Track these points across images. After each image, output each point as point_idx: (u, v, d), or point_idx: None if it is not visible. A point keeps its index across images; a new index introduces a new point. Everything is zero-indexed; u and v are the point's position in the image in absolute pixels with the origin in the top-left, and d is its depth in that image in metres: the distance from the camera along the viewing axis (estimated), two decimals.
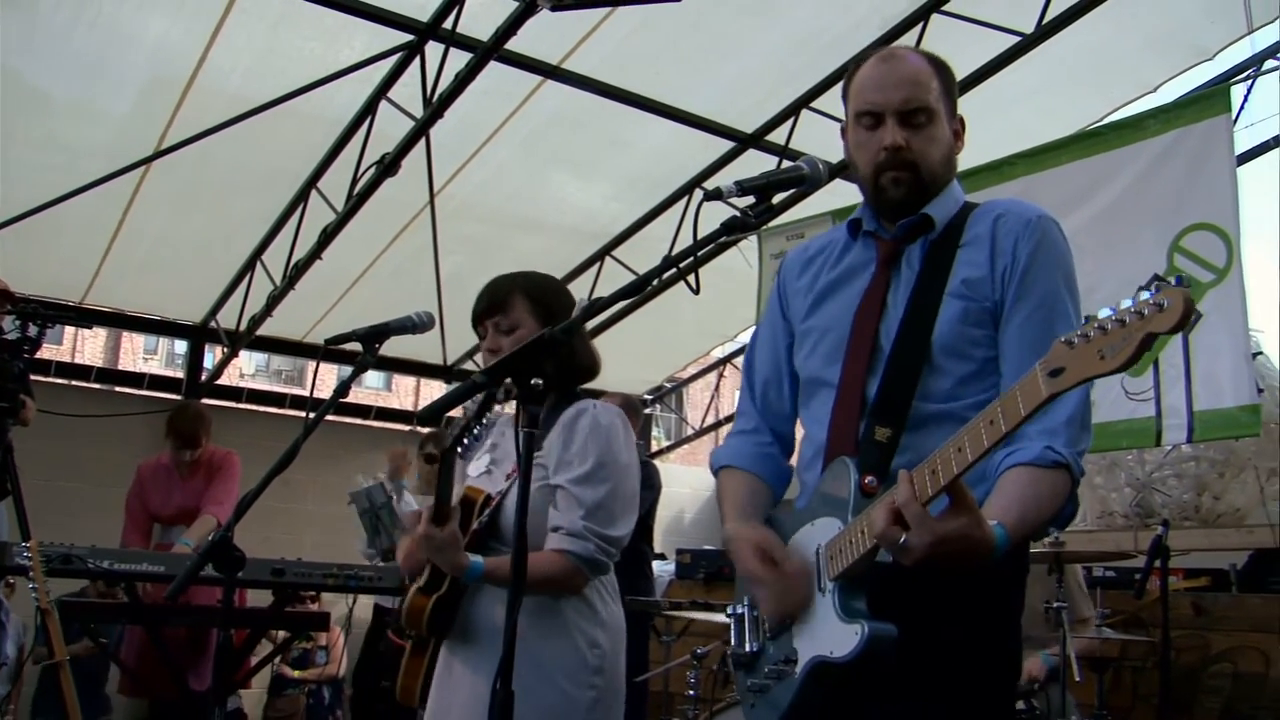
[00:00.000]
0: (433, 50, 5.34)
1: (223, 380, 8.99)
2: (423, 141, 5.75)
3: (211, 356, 8.80)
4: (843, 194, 5.87)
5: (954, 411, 1.72)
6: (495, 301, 2.44)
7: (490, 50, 5.06)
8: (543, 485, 2.30)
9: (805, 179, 1.75)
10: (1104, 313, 1.29)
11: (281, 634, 5.42)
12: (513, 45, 5.15)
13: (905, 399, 1.74)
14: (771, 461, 2.02)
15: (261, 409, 9.15)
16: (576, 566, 2.25)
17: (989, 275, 1.77)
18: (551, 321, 2.38)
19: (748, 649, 1.86)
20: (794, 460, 2.03)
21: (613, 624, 2.36)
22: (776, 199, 1.80)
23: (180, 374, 8.89)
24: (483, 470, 2.47)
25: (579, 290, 7.63)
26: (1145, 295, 1.25)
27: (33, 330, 4.38)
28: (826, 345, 1.88)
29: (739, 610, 1.91)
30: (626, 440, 2.38)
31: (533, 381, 1.65)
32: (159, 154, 5.86)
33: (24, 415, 4.44)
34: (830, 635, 1.64)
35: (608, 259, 7.67)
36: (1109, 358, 1.27)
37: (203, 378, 8.56)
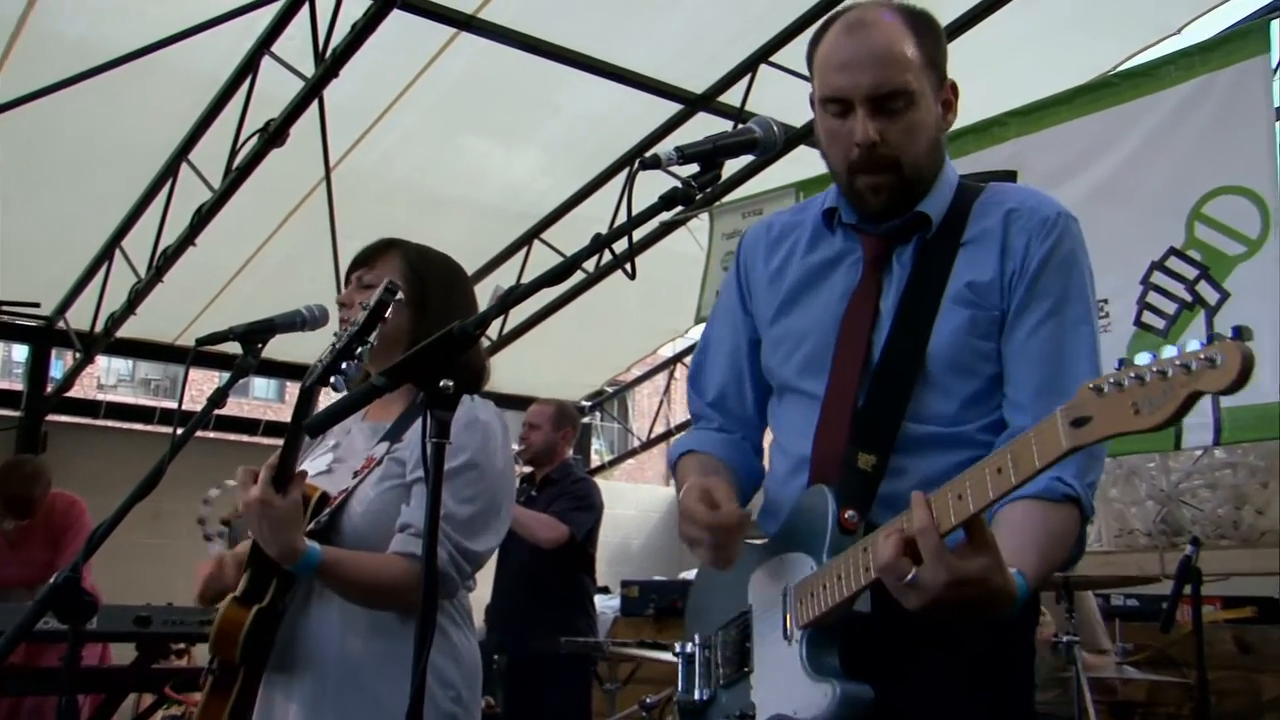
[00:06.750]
0: None
1: (75, 392, 8.79)
2: (315, 105, 5.69)
3: (60, 364, 8.63)
4: (807, 163, 5.90)
5: (961, 435, 1.74)
6: (366, 254, 2.48)
7: None
8: (397, 485, 2.24)
9: (757, 144, 1.72)
10: (1143, 358, 1.27)
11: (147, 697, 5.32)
12: None
13: (893, 421, 1.74)
14: (741, 453, 2.01)
15: (124, 425, 9.01)
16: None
17: (998, 279, 1.77)
18: (424, 294, 2.39)
19: (697, 697, 1.87)
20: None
21: (468, 657, 2.27)
22: (726, 168, 1.79)
23: (20, 385, 8.71)
24: (323, 470, 2.38)
25: (504, 280, 7.59)
26: (1194, 345, 1.23)
27: None
28: (804, 353, 1.87)
29: (689, 649, 1.91)
30: (504, 445, 2.33)
31: (442, 384, 1.63)
32: None
33: None
34: (795, 692, 1.64)
35: (536, 243, 7.65)
36: (1145, 413, 1.25)
37: (49, 389, 8.38)
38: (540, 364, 8.48)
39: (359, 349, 1.97)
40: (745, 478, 1.99)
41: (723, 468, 1.96)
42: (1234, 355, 1.19)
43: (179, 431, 2.20)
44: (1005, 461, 1.40)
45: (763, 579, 1.79)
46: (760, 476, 2.02)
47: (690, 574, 7.72)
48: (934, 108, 1.83)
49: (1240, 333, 1.22)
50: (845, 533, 1.66)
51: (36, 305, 5.40)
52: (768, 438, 2.03)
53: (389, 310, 1.94)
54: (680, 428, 11.46)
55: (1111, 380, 1.29)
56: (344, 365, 1.99)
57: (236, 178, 5.94)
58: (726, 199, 6.31)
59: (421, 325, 2.33)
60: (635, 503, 11.14)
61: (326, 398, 2.09)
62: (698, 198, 1.72)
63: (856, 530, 1.66)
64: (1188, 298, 4.42)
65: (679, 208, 1.69)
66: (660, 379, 11.03)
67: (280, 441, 2.10)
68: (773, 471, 1.95)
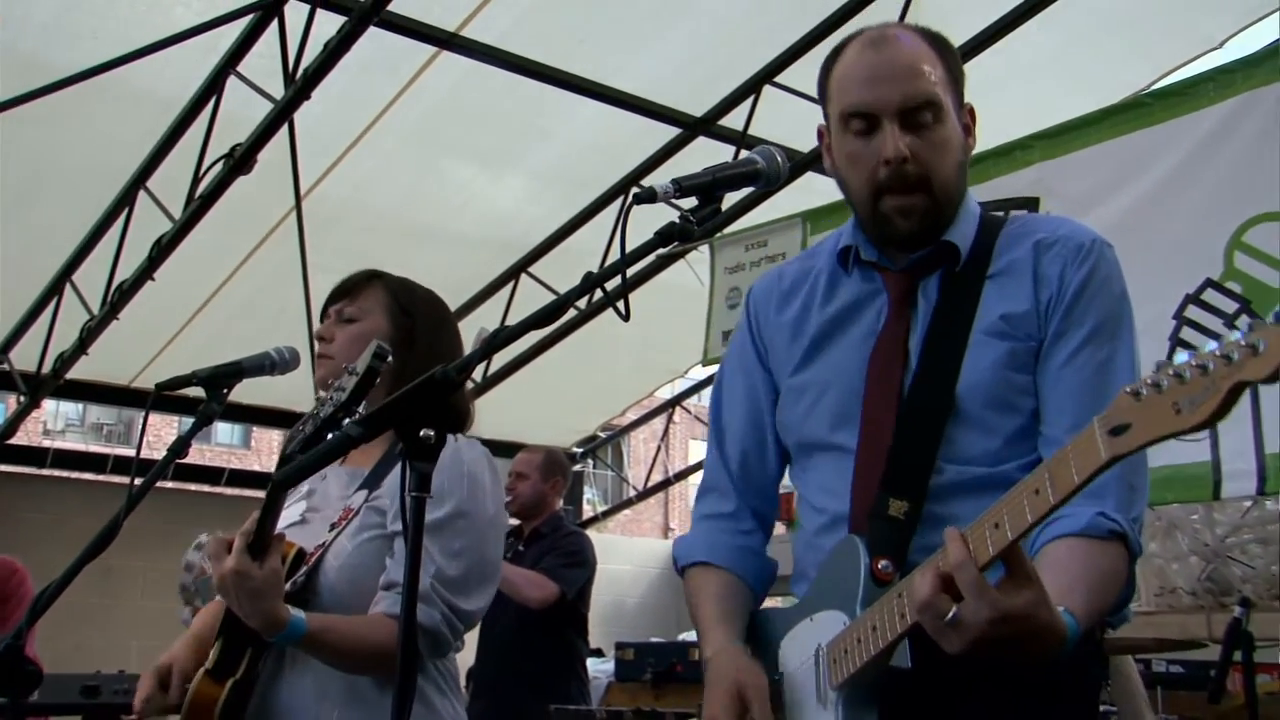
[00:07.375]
0: (294, 11, 5.33)
1: (18, 439, 8.82)
2: (285, 129, 5.72)
3: (2, 408, 8.61)
4: (815, 191, 5.94)
5: (1003, 476, 1.74)
6: (347, 285, 2.49)
7: (369, 12, 5.06)
8: (377, 536, 2.25)
9: (760, 175, 1.75)
10: (1180, 357, 1.27)
11: None
12: (398, 6, 5.15)
13: (924, 463, 1.76)
14: (753, 558, 2.02)
15: (74, 475, 8.99)
16: None
17: (1034, 309, 1.81)
18: (410, 328, 2.42)
19: None
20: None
21: None
22: (728, 198, 1.80)
23: None
24: (296, 520, 2.37)
25: (489, 316, 7.62)
26: (1235, 335, 1.24)
27: None
28: (830, 403, 1.89)
29: None
30: (493, 488, 2.33)
31: (422, 433, 1.61)
32: None
33: None
34: None
35: (524, 276, 7.68)
36: (1186, 412, 1.25)
37: None
38: (528, 408, 8.47)
39: (345, 419, 1.93)
40: (757, 587, 2.01)
41: (741, 589, 1.97)
42: (1276, 339, 1.19)
43: (136, 483, 2.18)
44: (1043, 481, 1.40)
45: (793, 643, 1.80)
46: (773, 574, 2.03)
47: (691, 635, 7.68)
48: (958, 126, 1.88)
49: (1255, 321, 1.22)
50: (879, 584, 1.67)
51: None
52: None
53: (378, 379, 1.91)
54: (678, 477, 11.45)
55: (1150, 381, 1.29)
56: (329, 436, 1.95)
57: (199, 207, 5.93)
58: (728, 230, 6.32)
59: (405, 367, 2.32)
60: (631, 557, 11.12)
61: None
62: (696, 232, 1.73)
63: (892, 580, 1.67)
64: (1226, 333, 4.38)
65: (676, 243, 1.70)
66: (658, 423, 10.99)
67: (245, 491, 2.09)
68: (802, 530, 1.96)
